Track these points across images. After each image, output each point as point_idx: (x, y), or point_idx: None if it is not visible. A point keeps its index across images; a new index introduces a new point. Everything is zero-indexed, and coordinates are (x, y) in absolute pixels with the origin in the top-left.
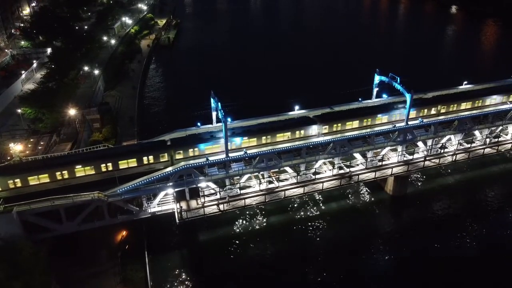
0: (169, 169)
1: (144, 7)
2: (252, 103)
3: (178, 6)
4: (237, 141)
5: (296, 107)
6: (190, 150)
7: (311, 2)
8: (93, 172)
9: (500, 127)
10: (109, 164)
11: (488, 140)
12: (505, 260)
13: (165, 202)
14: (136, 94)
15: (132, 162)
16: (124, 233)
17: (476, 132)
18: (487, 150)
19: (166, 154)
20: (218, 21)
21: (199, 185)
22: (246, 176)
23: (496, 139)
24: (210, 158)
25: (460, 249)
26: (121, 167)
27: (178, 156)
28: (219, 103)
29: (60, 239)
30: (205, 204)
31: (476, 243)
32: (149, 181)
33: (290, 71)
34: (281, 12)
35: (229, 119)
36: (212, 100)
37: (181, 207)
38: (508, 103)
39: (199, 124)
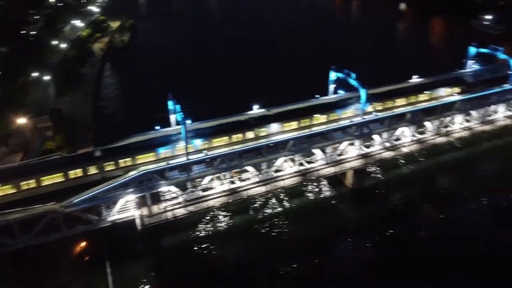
0: (129, 175)
1: (96, 9)
2: (213, 104)
3: (132, 8)
4: (174, 147)
5: (256, 107)
6: (122, 161)
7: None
8: (13, 190)
9: (449, 118)
10: (31, 181)
11: (439, 130)
12: (462, 244)
13: (125, 209)
14: (91, 99)
15: (58, 177)
16: (83, 243)
17: (427, 123)
18: (438, 140)
19: (95, 167)
20: (174, 22)
21: (160, 189)
22: (208, 178)
23: (446, 129)
24: (171, 162)
25: (418, 236)
26: (44, 183)
27: (108, 168)
28: (178, 106)
29: (18, 252)
30: (167, 209)
31: (434, 229)
32: (108, 188)
33: (249, 69)
34: (239, 11)
35: (188, 121)
36: (170, 102)
37: (142, 213)
38: (455, 94)
39: (158, 127)
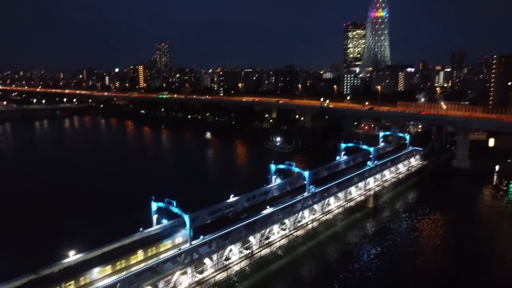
0: None
1: None
2: (17, 258)
3: None
4: None
5: (71, 253)
6: None
7: (74, 139)
8: None
9: (268, 229)
10: None
11: (261, 243)
12: None
13: None
14: None
15: None
16: None
17: (251, 238)
18: (263, 252)
19: None
20: None
21: None
22: None
23: (267, 240)
24: None
25: None
26: None
27: None
28: None
29: None
30: None
31: None
32: None
33: (55, 211)
34: (46, 153)
35: None
36: None
37: None
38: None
39: None
